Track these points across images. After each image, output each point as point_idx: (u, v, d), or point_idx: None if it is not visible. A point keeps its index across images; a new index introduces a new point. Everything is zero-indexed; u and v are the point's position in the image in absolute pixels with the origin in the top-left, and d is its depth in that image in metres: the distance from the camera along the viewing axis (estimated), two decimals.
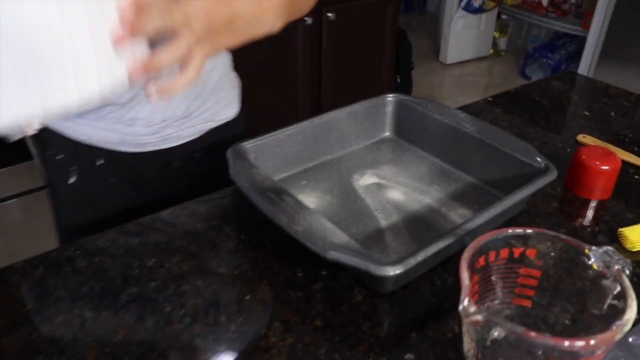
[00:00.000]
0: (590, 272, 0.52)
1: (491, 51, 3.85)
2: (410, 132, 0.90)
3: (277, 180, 0.82)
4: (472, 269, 0.51)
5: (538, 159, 0.74)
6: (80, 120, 0.80)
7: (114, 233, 0.75)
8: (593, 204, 0.79)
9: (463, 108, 1.05)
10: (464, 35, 3.69)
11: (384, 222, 0.74)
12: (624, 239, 0.71)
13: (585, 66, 3.15)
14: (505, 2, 3.64)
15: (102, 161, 0.85)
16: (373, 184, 0.81)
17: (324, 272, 0.66)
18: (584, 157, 0.79)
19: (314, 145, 0.85)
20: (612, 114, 1.05)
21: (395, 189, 0.80)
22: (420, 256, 0.57)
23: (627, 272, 0.50)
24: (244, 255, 0.70)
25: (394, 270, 0.56)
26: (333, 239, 0.60)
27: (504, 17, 3.78)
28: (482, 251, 0.52)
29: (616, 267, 0.50)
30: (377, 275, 0.56)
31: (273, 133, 0.81)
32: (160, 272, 0.68)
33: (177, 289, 0.65)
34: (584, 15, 3.29)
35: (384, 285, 0.61)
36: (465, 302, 0.45)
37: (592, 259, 0.52)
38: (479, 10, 3.52)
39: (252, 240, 0.72)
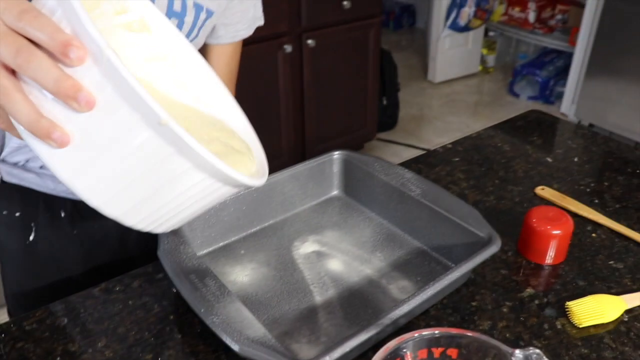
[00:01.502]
0: None
1: (480, 68, 3.83)
2: (358, 191, 0.87)
3: (214, 250, 0.79)
4: None
5: (481, 227, 0.71)
6: (44, 171, 0.78)
7: (42, 313, 0.72)
8: (545, 269, 0.76)
9: (422, 157, 1.02)
10: (451, 54, 3.67)
11: (318, 298, 0.70)
12: (572, 314, 0.67)
13: (572, 82, 3.13)
14: (492, 19, 3.62)
15: (64, 213, 0.82)
16: (313, 252, 0.78)
17: None
18: (533, 220, 0.75)
19: (255, 211, 0.81)
20: (576, 159, 1.01)
21: (336, 258, 0.77)
22: (337, 353, 0.53)
23: None
24: (171, 339, 0.66)
25: None
26: (248, 333, 0.56)
27: (491, 34, 3.76)
28: (395, 354, 0.49)
29: None
30: None
31: None
32: (82, 359, 0.64)
33: None
34: (571, 31, 3.27)
35: None
36: None
37: None
38: (466, 28, 3.50)
39: (181, 321, 0.69)
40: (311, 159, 0.86)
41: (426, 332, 0.50)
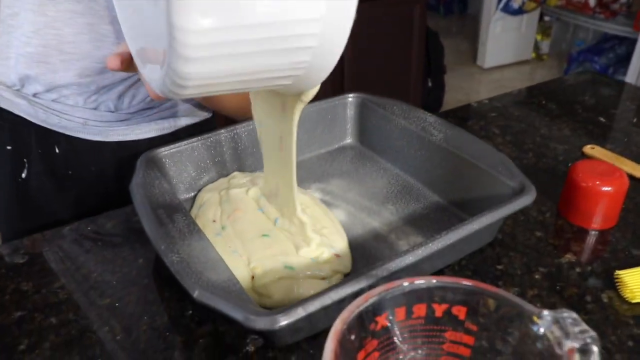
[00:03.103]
0: (539, 345, 0.36)
1: (533, 55, 3.62)
2: (374, 138, 0.75)
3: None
4: (365, 331, 0.36)
5: (513, 175, 0.58)
6: (37, 100, 0.70)
7: (3, 249, 0.64)
8: (591, 234, 0.63)
9: (450, 112, 0.90)
10: (503, 38, 3.47)
11: None
12: (622, 285, 0.54)
13: (634, 70, 2.89)
14: (548, 3, 3.40)
15: (58, 150, 0.75)
16: None
17: None
18: (579, 175, 0.62)
19: (251, 155, 0.71)
20: (635, 120, 0.87)
21: (339, 207, 0.65)
22: (314, 306, 0.42)
23: (594, 349, 0.34)
24: (135, 284, 0.57)
25: (272, 323, 0.41)
26: (211, 275, 0.46)
27: (546, 18, 3.54)
28: (382, 307, 0.37)
29: (571, 344, 0.34)
30: (252, 327, 0.42)
31: (200, 137, 0.67)
32: (32, 299, 0.56)
33: (42, 322, 0.53)
34: (636, 16, 3.02)
35: (276, 337, 0.47)
36: None
37: (541, 329, 0.36)
38: (519, 11, 3.30)
39: (149, 266, 0.59)
40: (322, 100, 0.75)
41: (421, 280, 0.38)
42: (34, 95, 0.70)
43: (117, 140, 0.75)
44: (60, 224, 0.80)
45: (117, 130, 0.74)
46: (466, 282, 0.38)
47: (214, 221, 0.61)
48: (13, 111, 0.72)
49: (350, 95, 0.76)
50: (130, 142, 0.76)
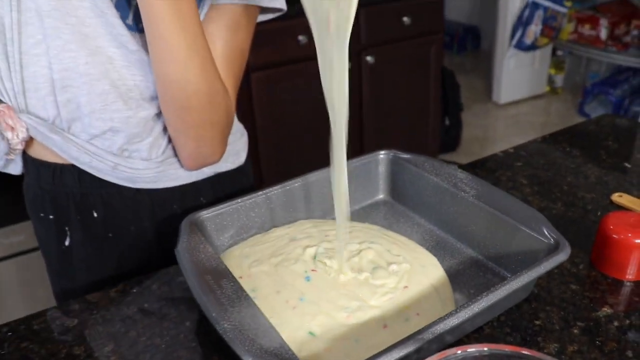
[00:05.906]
0: None
1: (547, 89, 3.65)
2: (406, 194, 0.77)
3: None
4: None
5: (547, 232, 0.60)
6: (71, 136, 0.72)
7: (53, 312, 0.66)
8: (626, 286, 0.64)
9: (479, 162, 0.92)
10: (517, 74, 3.52)
11: None
12: None
13: None
14: (560, 38, 3.45)
15: (96, 215, 0.78)
16: None
17: None
18: (611, 227, 0.64)
19: (288, 213, 0.73)
20: None
21: None
22: None
23: None
24: (184, 347, 0.59)
25: None
26: (263, 342, 0.48)
27: (559, 53, 3.58)
28: None
29: None
30: None
31: (239, 200, 0.70)
32: None
33: None
34: None
35: None
36: None
37: None
38: (532, 47, 3.34)
39: (197, 329, 0.61)
40: (354, 158, 0.77)
41: (473, 348, 0.40)
42: (68, 130, 0.72)
43: (146, 187, 0.77)
44: (106, 284, 0.83)
45: (146, 177, 0.76)
46: (512, 349, 0.40)
47: (241, 277, 0.63)
48: (46, 144, 0.73)
49: (382, 152, 0.78)
50: (163, 193, 0.78)
